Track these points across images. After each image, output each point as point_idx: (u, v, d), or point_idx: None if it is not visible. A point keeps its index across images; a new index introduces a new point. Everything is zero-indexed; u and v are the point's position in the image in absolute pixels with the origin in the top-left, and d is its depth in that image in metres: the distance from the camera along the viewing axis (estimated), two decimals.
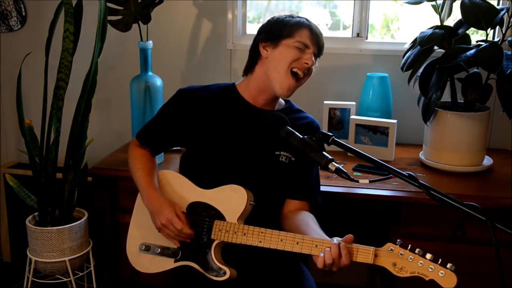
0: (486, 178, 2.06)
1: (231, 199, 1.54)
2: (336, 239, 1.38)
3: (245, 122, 1.66)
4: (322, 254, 1.37)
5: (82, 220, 2.26)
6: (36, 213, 2.27)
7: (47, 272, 2.25)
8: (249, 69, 1.69)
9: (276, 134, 1.46)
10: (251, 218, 1.54)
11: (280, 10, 2.76)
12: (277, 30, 1.62)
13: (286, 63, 1.58)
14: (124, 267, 2.17)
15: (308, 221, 1.58)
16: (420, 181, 1.24)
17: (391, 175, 1.30)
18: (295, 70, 1.59)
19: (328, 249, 1.36)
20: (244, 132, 1.65)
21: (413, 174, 1.26)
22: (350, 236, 1.37)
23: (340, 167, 1.33)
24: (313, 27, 1.62)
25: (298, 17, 1.65)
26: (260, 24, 1.71)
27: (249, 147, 1.64)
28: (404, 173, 1.27)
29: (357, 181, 1.32)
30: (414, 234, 1.92)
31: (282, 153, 1.64)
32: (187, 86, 1.75)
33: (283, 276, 1.64)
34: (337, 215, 2.24)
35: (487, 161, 2.17)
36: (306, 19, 1.65)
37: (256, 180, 1.59)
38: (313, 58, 1.61)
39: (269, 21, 1.68)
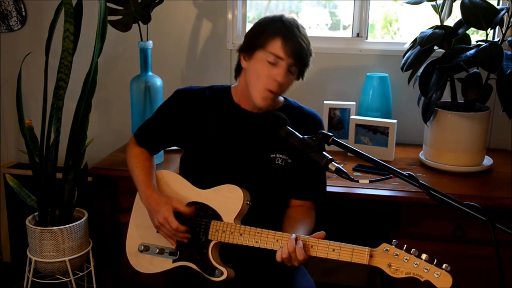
0: (486, 178, 2.06)
1: (227, 199, 1.54)
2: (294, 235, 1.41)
3: (238, 127, 1.65)
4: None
5: (82, 220, 2.26)
6: (36, 213, 2.27)
7: (47, 272, 2.25)
8: (236, 76, 1.68)
9: (276, 134, 1.46)
10: (248, 219, 1.54)
11: (280, 10, 2.75)
12: (252, 39, 1.56)
13: (259, 81, 1.52)
14: (124, 267, 2.17)
15: (297, 223, 1.58)
16: (420, 181, 1.24)
17: (391, 175, 1.30)
18: (268, 87, 1.53)
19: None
20: (238, 136, 1.65)
21: (413, 174, 1.26)
22: (321, 233, 1.40)
23: (340, 167, 1.33)
24: (288, 36, 1.48)
25: (281, 21, 1.52)
26: None
27: (244, 150, 1.63)
28: (404, 173, 1.27)
29: (357, 181, 1.32)
30: (414, 234, 1.92)
31: (278, 155, 1.63)
32: (185, 87, 1.74)
33: (281, 276, 1.64)
34: (337, 215, 2.24)
35: (487, 161, 2.17)
36: (286, 24, 1.51)
37: (252, 183, 1.58)
38: (287, 72, 1.51)
39: (254, 25, 1.61)
